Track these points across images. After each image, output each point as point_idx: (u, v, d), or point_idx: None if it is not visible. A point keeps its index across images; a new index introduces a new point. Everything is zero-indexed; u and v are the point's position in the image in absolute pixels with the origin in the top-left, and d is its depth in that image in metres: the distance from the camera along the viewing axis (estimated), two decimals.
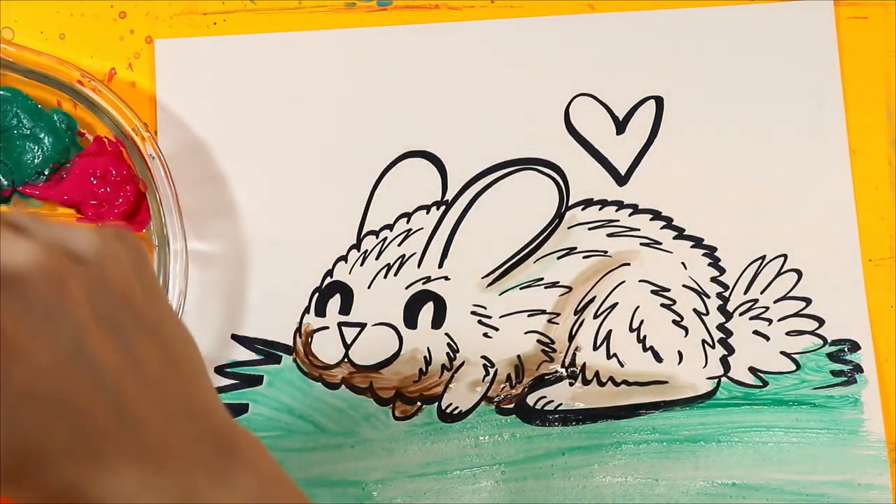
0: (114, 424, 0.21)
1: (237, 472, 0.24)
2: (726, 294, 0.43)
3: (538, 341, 0.43)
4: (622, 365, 0.43)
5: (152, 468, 0.22)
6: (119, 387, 0.22)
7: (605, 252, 0.44)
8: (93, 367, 0.21)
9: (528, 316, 0.43)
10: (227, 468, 0.23)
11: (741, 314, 0.43)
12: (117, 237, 0.24)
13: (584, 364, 0.43)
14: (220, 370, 0.43)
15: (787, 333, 0.43)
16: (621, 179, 0.44)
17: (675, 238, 0.43)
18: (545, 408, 0.43)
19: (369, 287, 0.43)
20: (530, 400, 0.43)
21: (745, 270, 0.44)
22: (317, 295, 0.43)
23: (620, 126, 0.44)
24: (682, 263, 0.43)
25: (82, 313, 0.21)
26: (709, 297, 0.43)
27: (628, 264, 0.43)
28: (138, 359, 0.22)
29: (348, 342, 0.43)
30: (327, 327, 0.43)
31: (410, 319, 0.43)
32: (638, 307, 0.43)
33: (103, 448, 0.21)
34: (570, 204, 0.44)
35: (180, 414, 0.23)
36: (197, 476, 0.23)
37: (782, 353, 0.43)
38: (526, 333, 0.43)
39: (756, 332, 0.43)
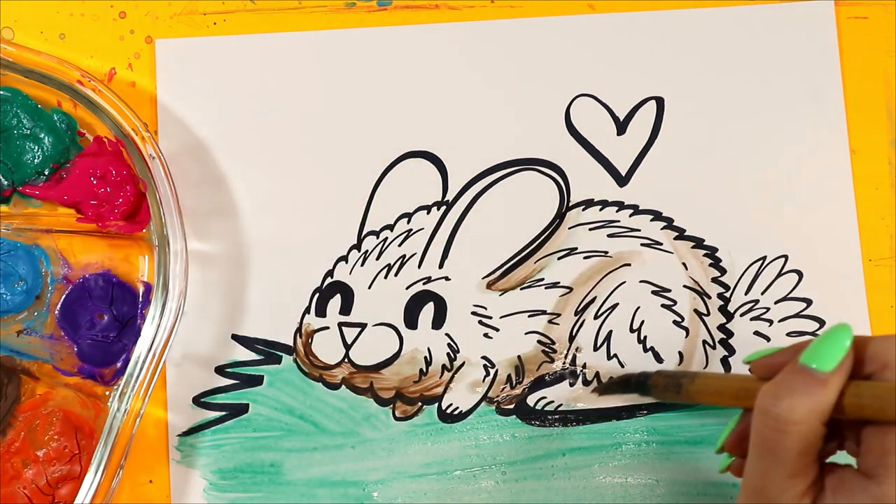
0: None
1: None
2: (727, 295, 0.43)
3: (538, 342, 0.43)
4: (623, 365, 0.43)
5: None
6: None
7: (606, 252, 0.44)
8: None
9: (529, 316, 0.43)
10: None
11: (742, 315, 0.43)
12: None
13: (585, 364, 0.43)
14: (220, 370, 0.43)
15: (788, 334, 0.43)
16: (622, 180, 0.44)
17: (675, 239, 0.43)
18: (545, 408, 0.43)
19: (370, 287, 0.43)
20: (530, 400, 0.43)
21: (745, 271, 0.43)
22: (317, 295, 0.43)
23: (621, 126, 0.44)
24: (683, 264, 0.43)
25: None
26: (710, 297, 0.43)
27: (629, 265, 0.43)
28: None
29: (349, 342, 0.43)
30: (328, 327, 0.43)
31: (411, 320, 0.43)
32: (638, 308, 0.43)
33: None
34: (570, 204, 0.44)
35: None
36: None
37: None
38: (526, 334, 0.43)
39: (757, 333, 0.43)
